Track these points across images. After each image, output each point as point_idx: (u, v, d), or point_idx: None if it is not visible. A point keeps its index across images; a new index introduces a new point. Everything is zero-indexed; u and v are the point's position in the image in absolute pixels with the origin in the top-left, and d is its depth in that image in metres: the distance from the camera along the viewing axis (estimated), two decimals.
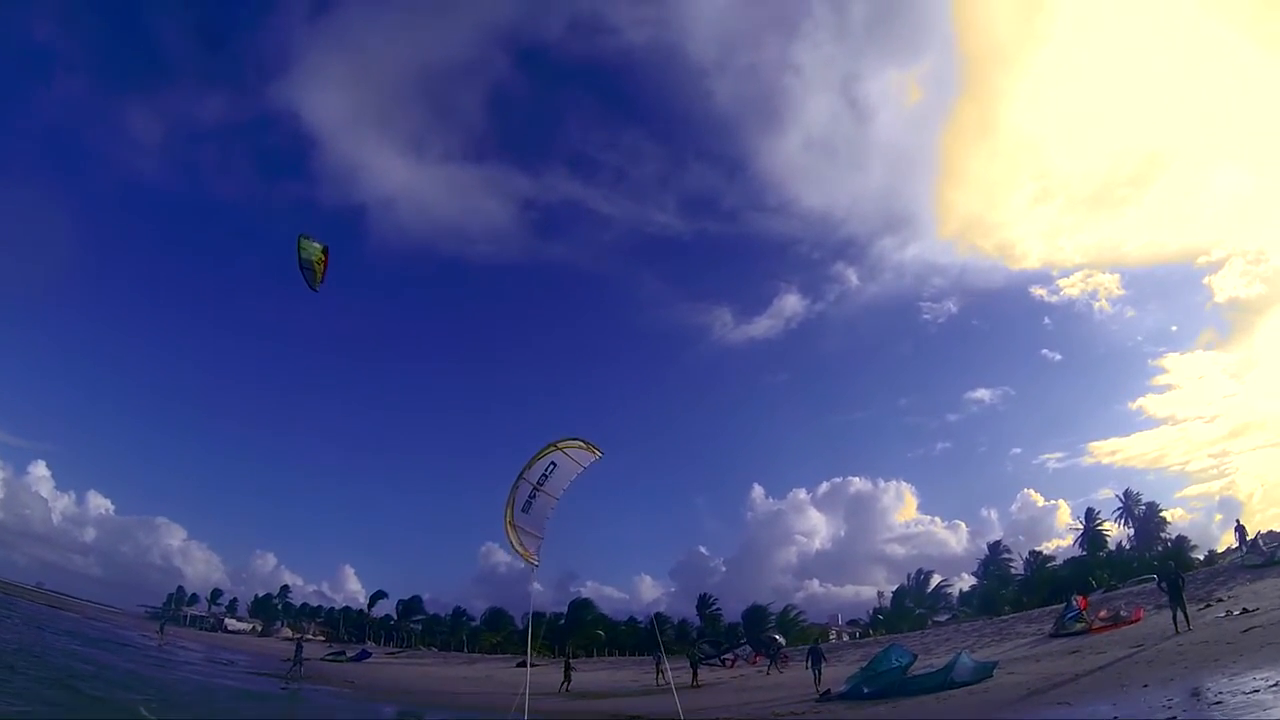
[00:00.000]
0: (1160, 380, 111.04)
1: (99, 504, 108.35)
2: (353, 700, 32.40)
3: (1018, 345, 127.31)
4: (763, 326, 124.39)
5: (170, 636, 59.83)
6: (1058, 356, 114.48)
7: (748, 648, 53.86)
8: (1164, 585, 26.42)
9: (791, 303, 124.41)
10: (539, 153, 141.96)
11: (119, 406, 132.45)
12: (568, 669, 37.60)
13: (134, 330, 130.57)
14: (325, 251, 21.16)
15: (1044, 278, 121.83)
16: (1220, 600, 28.92)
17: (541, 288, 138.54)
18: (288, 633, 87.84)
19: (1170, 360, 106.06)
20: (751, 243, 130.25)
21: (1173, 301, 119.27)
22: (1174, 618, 24.72)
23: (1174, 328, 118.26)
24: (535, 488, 15.73)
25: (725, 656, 51.44)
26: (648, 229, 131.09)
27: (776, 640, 52.14)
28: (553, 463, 15.90)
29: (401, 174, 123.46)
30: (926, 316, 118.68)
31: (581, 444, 15.64)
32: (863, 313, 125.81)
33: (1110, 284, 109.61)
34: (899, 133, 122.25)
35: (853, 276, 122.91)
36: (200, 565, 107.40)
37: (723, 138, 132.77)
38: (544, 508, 15.91)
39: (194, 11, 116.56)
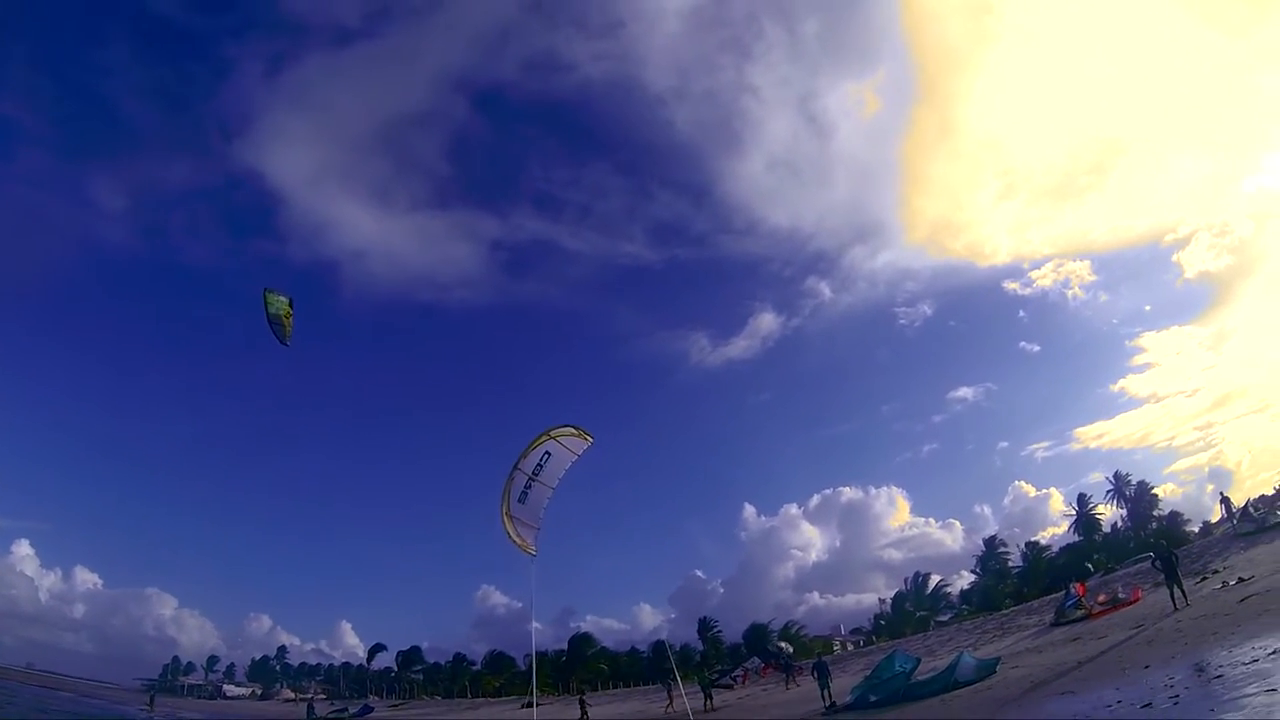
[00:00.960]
0: (1139, 360, 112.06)
1: (86, 579, 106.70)
2: None
3: (995, 341, 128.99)
4: (740, 347, 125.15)
5: (162, 707, 58.59)
6: (1036, 348, 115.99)
7: (756, 660, 53.22)
8: (1158, 563, 26.35)
9: (767, 321, 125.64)
10: (504, 194, 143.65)
11: (100, 480, 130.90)
12: (583, 706, 36.80)
13: (111, 401, 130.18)
14: (290, 304, 20.97)
15: (1015, 272, 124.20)
16: (1216, 572, 28.82)
17: (517, 327, 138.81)
18: (288, 694, 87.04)
19: (1147, 339, 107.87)
20: (722, 265, 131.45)
21: (1144, 282, 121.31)
22: (1171, 595, 24.61)
23: (1148, 307, 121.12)
24: (530, 478, 15.59)
25: (735, 674, 50.80)
26: (618, 261, 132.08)
27: (784, 649, 51.57)
28: (547, 452, 15.80)
29: (370, 226, 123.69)
30: (903, 322, 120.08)
31: (574, 431, 15.52)
32: (839, 324, 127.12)
33: (1081, 271, 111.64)
34: (860, 144, 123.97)
35: (826, 289, 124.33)
36: (194, 633, 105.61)
37: (686, 165, 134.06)
38: (540, 497, 15.80)
39: (152, 77, 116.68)
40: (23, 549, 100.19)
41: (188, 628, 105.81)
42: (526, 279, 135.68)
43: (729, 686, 47.56)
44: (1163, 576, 26.14)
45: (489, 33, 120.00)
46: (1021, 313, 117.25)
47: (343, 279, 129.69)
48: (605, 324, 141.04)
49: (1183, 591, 24.58)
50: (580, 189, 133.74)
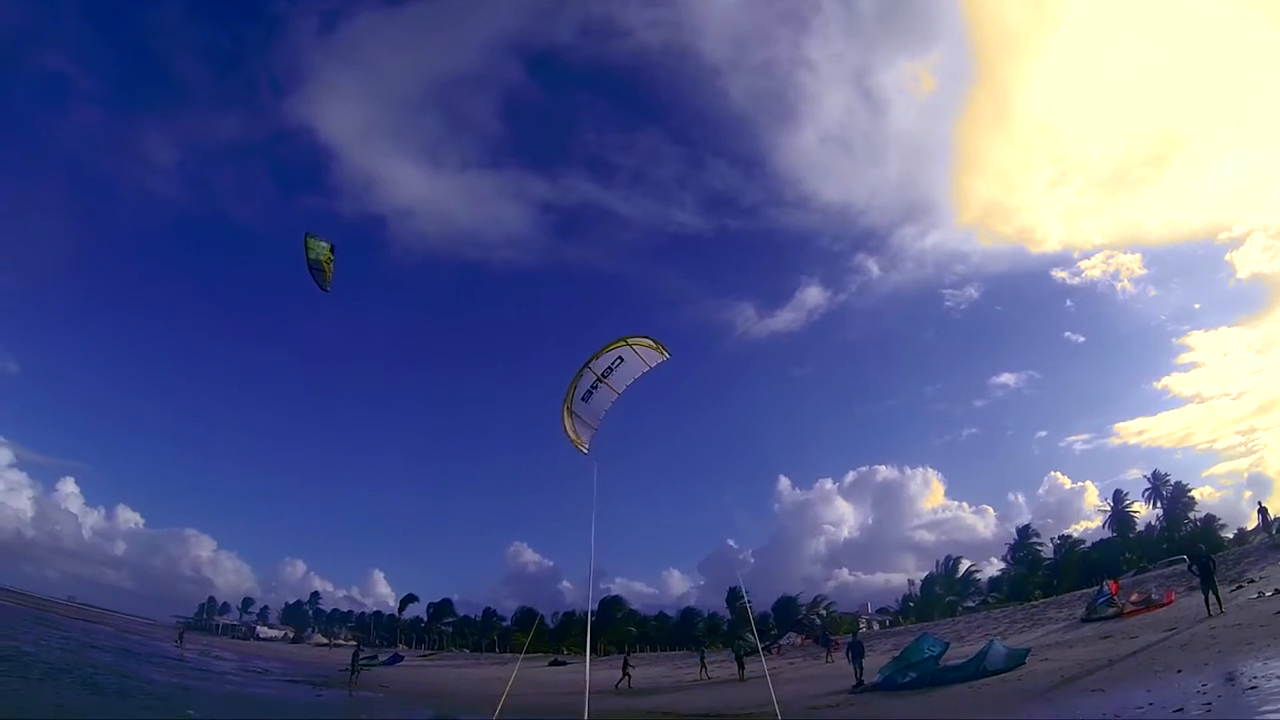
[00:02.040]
0: (1185, 358, 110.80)
1: (128, 518, 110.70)
2: (390, 704, 32.89)
3: (1041, 329, 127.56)
4: (785, 320, 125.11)
5: (195, 644, 60.91)
6: (1081, 338, 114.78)
7: (792, 635, 54.15)
8: (1194, 568, 26.43)
9: (814, 295, 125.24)
10: (556, 157, 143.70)
11: (146, 423, 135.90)
12: (626, 666, 37.94)
13: (160, 348, 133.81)
14: (331, 250, 21.63)
15: (1065, 260, 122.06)
16: (1252, 581, 28.87)
17: (563, 289, 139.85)
18: (320, 639, 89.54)
19: (1195, 338, 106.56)
20: (772, 237, 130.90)
21: (1195, 279, 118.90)
22: (1205, 600, 24.72)
23: (1197, 305, 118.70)
24: (599, 379, 15.85)
25: (777, 645, 51.76)
26: (668, 228, 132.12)
27: (818, 622, 52.47)
28: (620, 357, 15.96)
29: (419, 184, 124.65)
30: (949, 304, 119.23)
31: (651, 343, 15.75)
32: (885, 302, 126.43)
33: (1132, 264, 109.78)
34: (914, 123, 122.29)
35: (874, 267, 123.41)
36: (230, 575, 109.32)
37: (739, 135, 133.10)
38: (604, 399, 16.02)
39: (205, 34, 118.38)
40: (68, 487, 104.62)
41: (224, 569, 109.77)
42: (575, 242, 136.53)
43: (773, 651, 48.66)
44: (1198, 581, 26.26)
45: None
46: (1069, 302, 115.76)
47: (390, 235, 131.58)
48: (652, 289, 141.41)
49: (1218, 598, 24.72)
50: (633, 154, 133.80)
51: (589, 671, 14.71)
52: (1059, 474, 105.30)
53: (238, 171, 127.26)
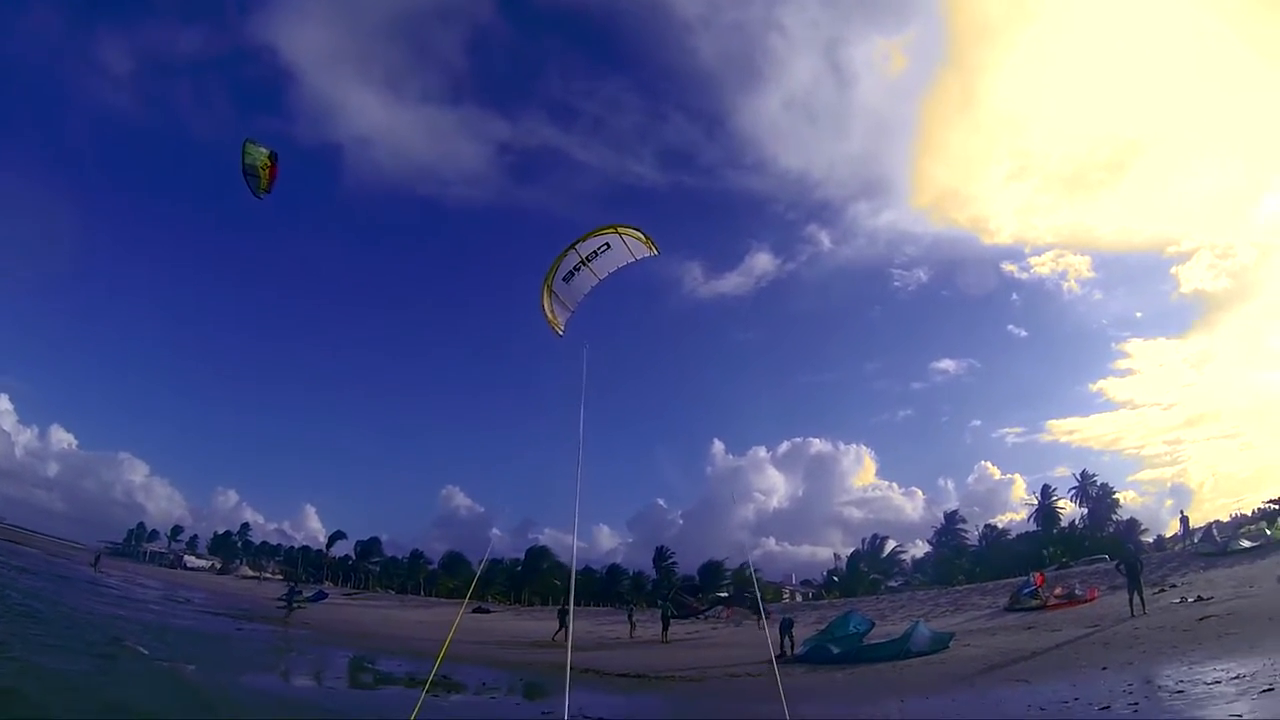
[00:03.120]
0: (1122, 364, 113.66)
1: (62, 438, 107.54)
2: (314, 642, 32.05)
3: (985, 319, 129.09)
4: (733, 283, 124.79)
5: (116, 571, 59.78)
6: (1023, 333, 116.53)
7: (720, 608, 54.38)
8: (1122, 567, 26.79)
9: (763, 261, 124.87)
10: (518, 97, 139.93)
11: (84, 342, 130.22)
12: (563, 616, 37.54)
13: (99, 266, 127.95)
14: (273, 157, 20.62)
15: (1016, 254, 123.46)
16: (1174, 586, 29.35)
17: (516, 231, 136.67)
18: (247, 571, 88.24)
19: (1133, 345, 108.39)
20: (727, 199, 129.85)
21: (1140, 288, 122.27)
22: (1130, 600, 25.01)
23: (1139, 314, 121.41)
24: (582, 260, 15.30)
25: (704, 612, 51.84)
26: (623, 179, 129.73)
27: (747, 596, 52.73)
28: (607, 243, 15.30)
29: (379, 113, 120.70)
30: (897, 284, 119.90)
31: (642, 236, 15.12)
32: (834, 275, 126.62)
33: (1080, 265, 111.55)
34: (880, 99, 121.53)
35: (825, 239, 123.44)
36: (162, 502, 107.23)
37: (704, 93, 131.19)
38: (585, 282, 15.46)
39: None
40: (2, 404, 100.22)
41: (156, 495, 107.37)
42: (530, 185, 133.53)
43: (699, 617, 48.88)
44: (1123, 580, 26.66)
45: None
46: (1015, 296, 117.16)
47: (346, 164, 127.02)
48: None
49: (1142, 599, 25.05)
50: (596, 101, 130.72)
51: (572, 621, 14.10)
52: (989, 464, 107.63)
53: (195, 88, 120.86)
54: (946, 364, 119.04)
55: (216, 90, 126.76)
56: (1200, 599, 25.08)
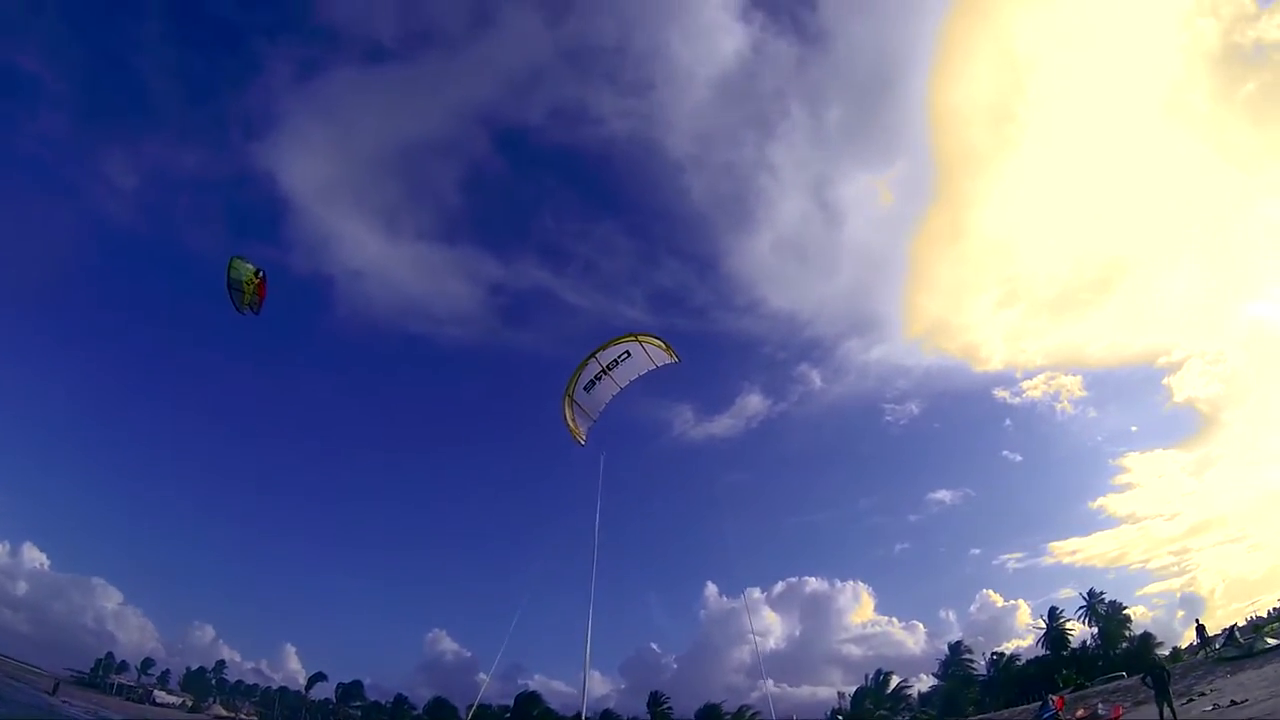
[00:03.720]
0: (1121, 479, 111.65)
1: (34, 557, 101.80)
2: None
3: (979, 447, 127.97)
4: (724, 425, 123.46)
5: (76, 700, 55.94)
6: (1019, 458, 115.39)
7: None
8: (1148, 679, 25.17)
9: (754, 402, 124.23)
10: (511, 238, 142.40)
11: (63, 460, 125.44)
12: None
13: (85, 381, 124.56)
14: (260, 275, 20.92)
15: (1007, 380, 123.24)
16: (1203, 694, 27.38)
17: (506, 373, 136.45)
18: (220, 710, 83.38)
19: (1131, 459, 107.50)
20: (718, 341, 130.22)
21: (1133, 402, 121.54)
22: (1160, 713, 23.38)
23: (1134, 428, 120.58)
24: (603, 370, 14.92)
25: None
26: (614, 321, 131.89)
27: None
28: (627, 351, 15.39)
29: (373, 248, 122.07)
30: (889, 418, 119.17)
31: (662, 344, 14.84)
32: (825, 413, 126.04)
33: (1072, 385, 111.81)
34: (869, 235, 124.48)
35: (817, 378, 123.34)
36: (134, 631, 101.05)
37: (695, 235, 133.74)
38: (606, 391, 15.35)
39: (183, 61, 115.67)
40: None
41: (128, 625, 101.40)
42: (521, 326, 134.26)
43: None
44: (1147, 694, 24.95)
45: (521, 74, 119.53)
46: (1008, 421, 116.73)
47: (338, 296, 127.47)
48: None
49: (1173, 710, 23.24)
50: (588, 244, 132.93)
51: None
52: (991, 592, 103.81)
53: (195, 208, 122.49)
54: (942, 494, 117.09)
55: (214, 213, 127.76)
56: (1234, 703, 23.16)
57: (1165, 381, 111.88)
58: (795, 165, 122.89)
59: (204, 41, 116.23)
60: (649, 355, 16.18)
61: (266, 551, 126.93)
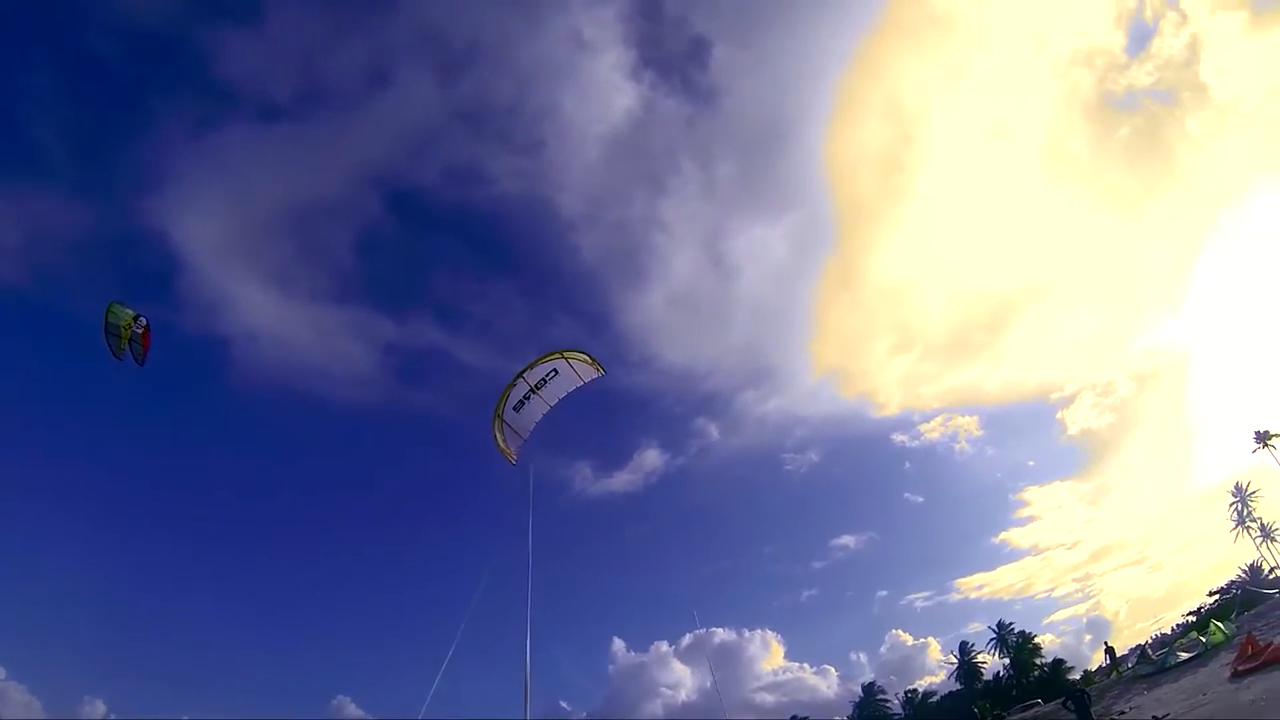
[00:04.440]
0: (1022, 513, 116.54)
1: None
2: None
3: (880, 490, 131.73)
4: (623, 480, 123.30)
5: None
6: (920, 499, 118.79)
7: None
8: (1069, 703, 24.77)
9: (652, 457, 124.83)
10: (406, 298, 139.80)
11: None
12: None
13: None
14: (143, 324, 20.59)
15: (905, 424, 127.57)
16: (1123, 713, 27.06)
17: (401, 434, 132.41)
18: None
19: (1031, 493, 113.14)
20: (613, 398, 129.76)
21: (1029, 437, 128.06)
22: None
23: (1031, 462, 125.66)
24: (532, 389, 14.45)
25: None
26: (509, 379, 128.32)
27: None
28: (554, 369, 15.44)
29: (267, 308, 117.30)
30: (789, 467, 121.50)
31: (588, 359, 14.20)
32: (725, 465, 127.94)
33: (969, 425, 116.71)
34: (762, 288, 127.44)
35: (714, 430, 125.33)
36: (19, 709, 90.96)
37: (589, 292, 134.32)
38: (536, 411, 15.43)
39: (74, 113, 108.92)
40: None
41: (12, 702, 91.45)
42: (418, 386, 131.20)
43: None
44: (1073, 717, 24.35)
45: (415, 134, 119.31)
46: (908, 464, 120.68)
47: (233, 358, 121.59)
48: (491, 441, 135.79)
49: None
50: (483, 303, 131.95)
51: None
52: (901, 631, 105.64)
53: (83, 265, 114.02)
54: (846, 539, 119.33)
55: (103, 270, 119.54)
56: (1156, 718, 22.51)
57: (1059, 415, 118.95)
58: (687, 221, 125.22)
59: (95, 95, 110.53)
60: (576, 371, 16.57)
61: (160, 620, 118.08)
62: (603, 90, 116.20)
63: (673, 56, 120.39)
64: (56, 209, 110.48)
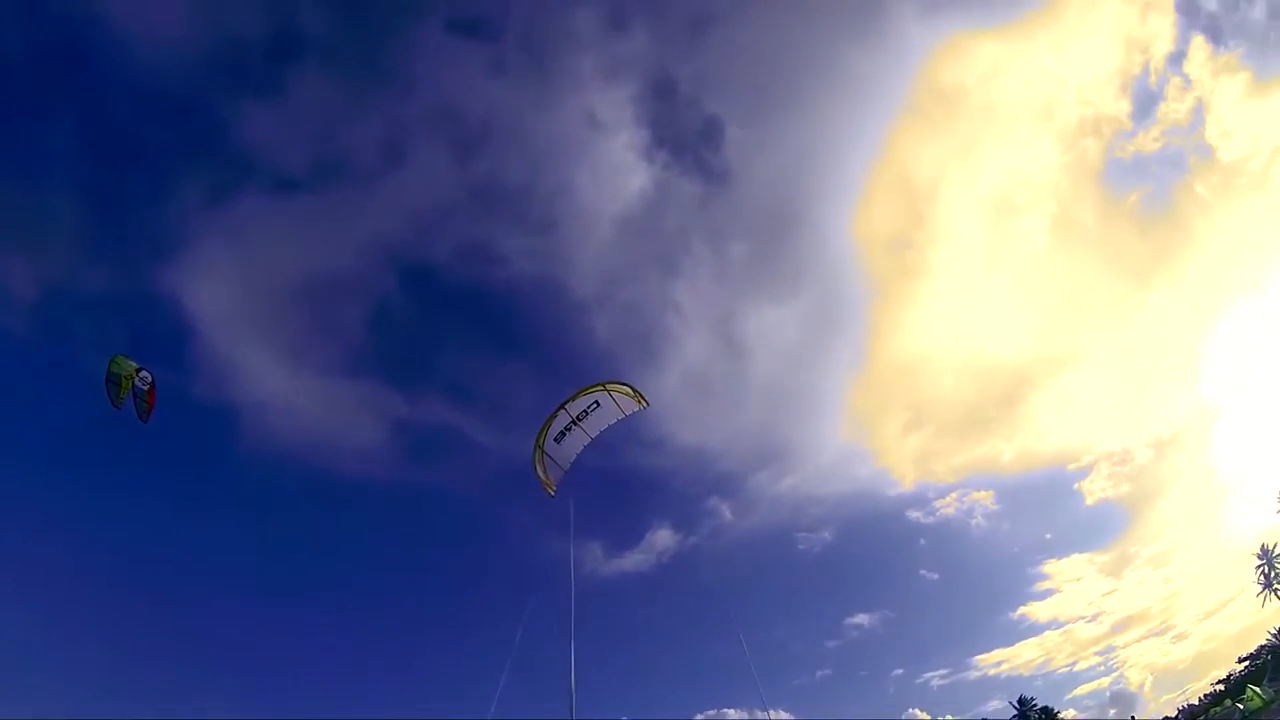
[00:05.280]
0: (1041, 586, 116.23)
1: None
2: None
3: (895, 568, 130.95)
4: (634, 560, 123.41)
5: None
6: (935, 575, 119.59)
7: None
8: None
9: (664, 537, 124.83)
10: (417, 375, 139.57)
11: None
12: None
13: None
14: (144, 379, 21.18)
15: (919, 500, 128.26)
16: None
17: (410, 511, 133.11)
18: None
19: (1050, 566, 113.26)
20: (626, 479, 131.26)
21: (1047, 509, 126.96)
22: None
23: (1049, 535, 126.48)
24: (574, 421, 15.16)
25: None
26: (522, 461, 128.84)
27: None
28: (596, 401, 15.16)
29: (277, 379, 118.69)
30: (802, 546, 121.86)
31: (630, 392, 14.96)
32: (737, 545, 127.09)
33: (985, 499, 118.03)
34: (775, 368, 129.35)
35: (727, 511, 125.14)
36: None
37: (602, 373, 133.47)
38: (577, 442, 15.35)
39: (95, 175, 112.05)
40: None
41: None
42: (427, 464, 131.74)
43: None
44: None
45: (430, 211, 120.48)
46: (923, 541, 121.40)
47: (242, 428, 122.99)
48: (501, 521, 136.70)
49: None
50: (495, 382, 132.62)
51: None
52: (918, 710, 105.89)
53: (97, 327, 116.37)
54: (860, 618, 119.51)
55: (116, 332, 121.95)
56: None
57: (1076, 486, 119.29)
58: (699, 301, 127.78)
59: (120, 156, 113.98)
60: (618, 404, 16.53)
61: (157, 699, 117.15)
62: (616, 170, 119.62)
63: (686, 136, 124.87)
64: (72, 267, 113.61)
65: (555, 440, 15.94)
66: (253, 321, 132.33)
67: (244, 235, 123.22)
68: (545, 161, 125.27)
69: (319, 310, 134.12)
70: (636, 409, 15.98)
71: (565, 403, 15.82)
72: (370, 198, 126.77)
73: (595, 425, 16.20)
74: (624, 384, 15.91)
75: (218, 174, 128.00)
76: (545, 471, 15.99)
